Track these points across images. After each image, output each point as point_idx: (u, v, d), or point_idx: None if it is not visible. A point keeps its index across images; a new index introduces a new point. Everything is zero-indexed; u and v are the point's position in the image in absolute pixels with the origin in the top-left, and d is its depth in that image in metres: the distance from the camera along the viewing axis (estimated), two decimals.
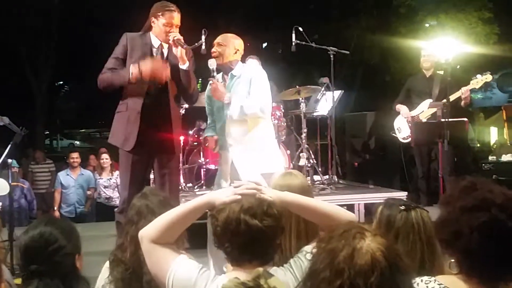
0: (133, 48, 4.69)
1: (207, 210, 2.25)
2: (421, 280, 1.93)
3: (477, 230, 1.85)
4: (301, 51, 7.92)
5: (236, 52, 4.73)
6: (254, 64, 4.92)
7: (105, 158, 9.51)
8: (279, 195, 2.26)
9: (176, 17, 4.67)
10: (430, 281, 1.93)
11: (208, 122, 5.14)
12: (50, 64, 18.98)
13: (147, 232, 2.23)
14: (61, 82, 26.09)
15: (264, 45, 21.28)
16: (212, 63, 4.68)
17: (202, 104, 7.12)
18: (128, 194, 4.60)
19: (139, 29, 4.88)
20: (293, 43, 7.28)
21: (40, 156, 11.31)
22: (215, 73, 4.69)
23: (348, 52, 7.87)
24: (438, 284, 1.92)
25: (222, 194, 2.20)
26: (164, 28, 4.64)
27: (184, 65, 4.64)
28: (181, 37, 4.59)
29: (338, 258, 1.51)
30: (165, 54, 4.76)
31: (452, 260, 1.95)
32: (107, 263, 2.90)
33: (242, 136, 4.73)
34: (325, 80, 7.63)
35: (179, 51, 4.58)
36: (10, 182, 5.22)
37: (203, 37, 6.79)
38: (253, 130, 4.73)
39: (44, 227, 2.17)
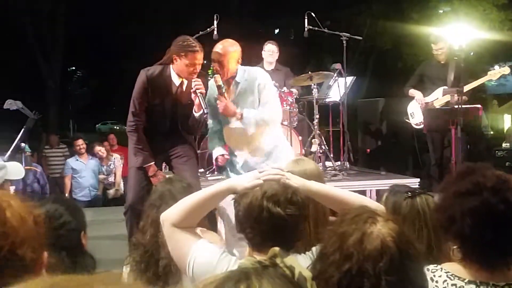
0: (154, 88, 4.62)
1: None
2: (427, 269, 1.92)
3: (468, 215, 1.85)
4: (313, 37, 7.90)
5: (238, 62, 4.60)
6: (257, 69, 4.83)
7: (101, 151, 9.72)
8: (305, 183, 2.21)
9: (199, 57, 4.53)
10: (437, 270, 1.93)
11: (212, 126, 4.94)
12: (60, 49, 19.02)
13: (169, 215, 2.23)
14: (73, 68, 26.19)
15: (276, 31, 21.21)
16: (218, 79, 4.57)
17: None
18: (133, 198, 4.67)
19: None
20: (306, 29, 7.26)
21: (54, 140, 11.39)
22: (223, 89, 4.57)
23: (361, 38, 7.85)
24: (445, 272, 1.91)
25: (244, 179, 2.18)
26: (187, 69, 4.51)
27: (197, 113, 4.60)
28: (202, 87, 4.51)
29: (347, 242, 1.50)
30: (184, 90, 4.67)
31: (455, 247, 1.95)
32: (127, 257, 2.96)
33: (256, 146, 4.73)
34: (338, 66, 7.60)
35: (197, 99, 4.52)
36: (23, 166, 5.25)
37: (215, 22, 6.80)
38: (266, 138, 4.75)
39: (50, 204, 2.23)
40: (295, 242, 2.13)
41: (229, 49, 4.54)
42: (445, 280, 1.90)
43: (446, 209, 1.94)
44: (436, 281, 1.90)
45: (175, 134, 4.75)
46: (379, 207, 2.24)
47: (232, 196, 2.22)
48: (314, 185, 2.26)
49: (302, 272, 1.17)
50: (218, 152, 4.81)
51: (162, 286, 2.74)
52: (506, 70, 7.02)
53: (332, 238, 1.55)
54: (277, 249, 1.21)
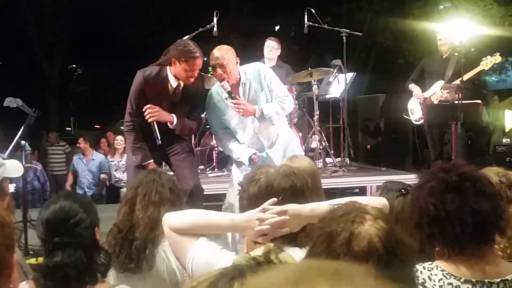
0: (151, 89, 4.63)
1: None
2: (424, 268, 1.93)
3: (429, 195, 1.93)
4: (313, 33, 7.88)
5: (237, 63, 4.62)
6: (256, 65, 4.86)
7: (120, 139, 9.61)
8: (305, 216, 2.06)
9: (199, 63, 4.53)
10: (433, 268, 1.93)
11: (228, 137, 4.90)
12: (61, 47, 19.02)
13: (170, 220, 2.21)
14: (74, 66, 26.17)
15: (277, 28, 21.17)
16: (225, 86, 4.59)
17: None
18: None
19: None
20: (306, 25, 7.25)
21: (54, 138, 11.39)
22: (232, 94, 4.60)
23: (361, 34, 7.82)
24: (441, 270, 1.92)
25: (250, 224, 2.05)
26: (185, 74, 4.52)
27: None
28: (157, 116, 4.58)
29: (335, 243, 1.48)
30: (180, 91, 4.69)
31: (437, 249, 1.97)
32: None
33: (274, 139, 4.81)
34: (338, 62, 7.59)
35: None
36: (23, 163, 5.25)
37: (214, 19, 6.78)
38: (281, 129, 4.82)
39: (64, 201, 2.23)
40: (296, 235, 2.10)
41: (227, 53, 4.55)
42: (441, 279, 1.90)
43: (415, 206, 2.00)
44: (434, 280, 1.91)
45: (172, 132, 4.76)
46: (381, 201, 2.23)
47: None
48: (316, 213, 2.09)
49: None
50: (246, 152, 4.76)
51: (134, 268, 2.71)
52: (497, 58, 7.02)
53: (320, 238, 1.53)
54: (271, 245, 1.21)
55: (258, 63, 4.83)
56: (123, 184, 9.12)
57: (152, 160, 4.66)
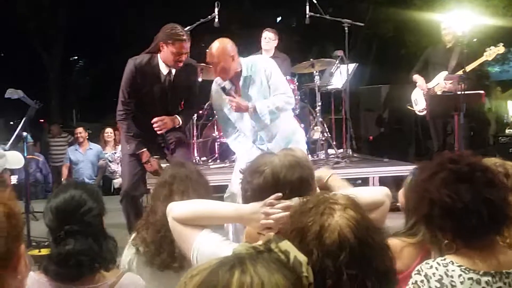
0: (142, 77, 4.66)
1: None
2: (438, 264, 1.89)
3: (443, 186, 1.91)
4: (315, 24, 7.86)
5: (233, 59, 4.58)
6: (261, 58, 4.85)
7: (109, 132, 9.64)
8: None
9: (186, 46, 4.58)
10: (448, 264, 1.89)
11: (230, 130, 4.93)
12: (62, 39, 18.98)
13: (175, 210, 2.21)
14: (76, 57, 26.14)
15: (278, 19, 21.11)
16: (219, 81, 4.63)
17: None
18: (128, 185, 4.72)
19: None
20: (307, 16, 7.23)
21: (56, 130, 11.40)
22: (228, 89, 4.60)
23: (362, 24, 7.81)
24: (458, 266, 1.87)
25: (256, 217, 2.06)
26: (173, 57, 4.56)
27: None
28: (164, 127, 4.69)
29: (307, 238, 1.46)
30: (172, 79, 4.72)
31: (446, 241, 1.95)
32: (132, 237, 2.87)
33: (274, 134, 4.79)
34: (339, 53, 7.56)
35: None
36: (25, 155, 5.26)
37: (216, 10, 6.77)
38: (283, 124, 4.80)
39: (74, 190, 2.27)
40: None
41: (223, 52, 4.53)
42: (460, 274, 1.86)
43: (423, 198, 1.97)
44: (451, 276, 1.86)
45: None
46: (383, 191, 2.22)
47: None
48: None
49: (297, 256, 1.16)
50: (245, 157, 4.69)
51: (177, 267, 2.68)
52: (500, 49, 7.00)
53: (292, 233, 1.51)
54: (271, 234, 1.20)
55: (262, 56, 4.82)
56: (118, 176, 9.16)
57: (145, 149, 4.68)
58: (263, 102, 4.62)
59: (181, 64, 4.58)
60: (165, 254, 2.68)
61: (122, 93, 4.71)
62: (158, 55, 4.64)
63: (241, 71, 4.65)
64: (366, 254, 1.45)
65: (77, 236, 2.17)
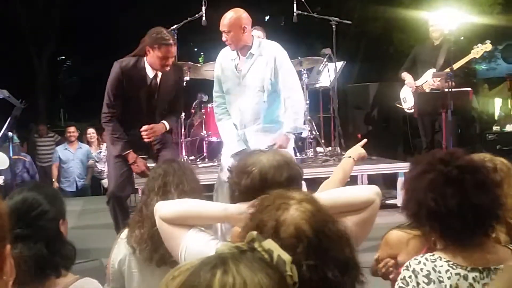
0: (129, 80, 4.63)
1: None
2: (426, 259, 1.89)
3: (429, 189, 1.90)
4: (303, 23, 7.85)
5: (244, 31, 4.61)
6: (274, 44, 4.84)
7: (91, 132, 9.65)
8: None
9: (172, 50, 4.58)
10: (436, 259, 1.89)
11: (219, 103, 4.95)
12: (50, 38, 18.88)
13: (162, 210, 2.17)
14: (63, 57, 26.01)
15: (267, 18, 21.10)
16: (225, 53, 4.76)
17: (203, 77, 7.12)
18: (114, 186, 4.69)
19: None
20: (295, 14, 7.22)
21: (43, 129, 11.33)
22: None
23: (350, 22, 7.81)
24: (446, 261, 1.87)
25: (244, 217, 2.06)
26: (159, 61, 4.53)
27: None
28: (153, 135, 4.69)
29: (264, 235, 1.41)
30: (158, 82, 4.70)
31: (433, 238, 1.97)
32: (122, 235, 2.79)
33: (258, 117, 4.76)
34: (327, 51, 7.56)
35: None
36: (11, 155, 5.21)
37: (203, 8, 6.74)
38: (267, 110, 4.76)
39: (27, 192, 2.16)
40: None
41: (234, 17, 4.61)
42: (448, 270, 1.86)
43: (411, 197, 1.97)
44: (439, 271, 1.86)
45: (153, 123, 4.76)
46: (373, 189, 2.21)
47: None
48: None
49: (281, 255, 1.14)
50: (230, 149, 4.80)
51: (174, 263, 2.62)
52: (488, 46, 7.04)
53: (251, 231, 1.50)
54: (254, 233, 1.18)
55: (279, 46, 4.81)
56: (105, 176, 9.14)
57: (131, 150, 4.65)
58: (285, 128, 4.67)
59: (167, 68, 4.56)
60: (163, 248, 2.55)
61: (107, 96, 4.67)
62: (145, 58, 4.62)
63: (251, 46, 4.67)
64: (323, 244, 1.44)
65: (26, 240, 2.06)
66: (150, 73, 4.64)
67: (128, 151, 4.64)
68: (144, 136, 4.61)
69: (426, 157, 2.05)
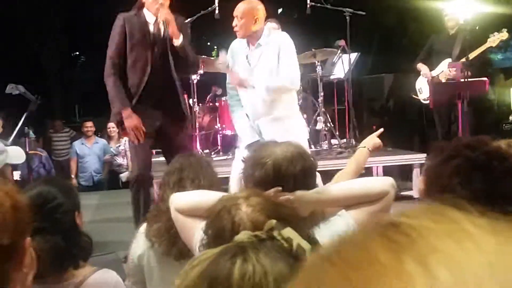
0: (132, 30, 4.65)
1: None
2: None
3: (455, 174, 1.86)
4: (317, 14, 7.81)
5: (255, 22, 4.59)
6: (281, 33, 4.84)
7: (111, 127, 9.68)
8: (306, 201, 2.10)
9: None
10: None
11: (231, 94, 4.95)
12: (63, 34, 18.96)
13: (177, 201, 2.19)
14: (77, 53, 26.13)
15: (280, 10, 21.06)
16: (237, 43, 4.68)
17: (217, 70, 7.10)
18: (140, 166, 4.66)
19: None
20: (308, 5, 7.18)
21: (58, 125, 11.44)
22: (228, 65, 4.67)
23: (364, 13, 7.74)
24: None
25: None
26: (154, 3, 4.58)
27: (176, 41, 4.64)
28: (168, 15, 4.58)
29: (224, 239, 1.43)
30: (162, 30, 4.70)
31: None
32: (141, 229, 2.77)
33: (269, 108, 4.71)
34: (341, 42, 7.52)
35: (169, 30, 4.61)
36: (27, 150, 5.24)
37: (216, 1, 6.72)
38: (279, 101, 4.71)
39: (42, 186, 2.18)
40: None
41: (247, 7, 4.60)
42: None
43: (435, 183, 1.93)
44: None
45: (168, 93, 4.72)
46: (388, 181, 2.19)
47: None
48: (324, 197, 2.15)
49: (301, 243, 1.13)
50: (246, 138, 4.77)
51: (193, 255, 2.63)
52: (504, 35, 6.95)
53: (213, 239, 1.53)
54: (273, 221, 1.17)
55: (286, 35, 4.80)
56: (124, 169, 9.17)
57: (130, 107, 4.61)
58: (263, 81, 4.59)
59: (163, 11, 4.55)
60: (181, 242, 2.53)
61: (110, 48, 4.71)
62: (144, 9, 4.71)
63: (260, 37, 4.66)
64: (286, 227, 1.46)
65: (43, 233, 2.07)
66: (151, 19, 4.69)
67: (126, 107, 4.60)
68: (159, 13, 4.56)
69: (449, 143, 2.02)
